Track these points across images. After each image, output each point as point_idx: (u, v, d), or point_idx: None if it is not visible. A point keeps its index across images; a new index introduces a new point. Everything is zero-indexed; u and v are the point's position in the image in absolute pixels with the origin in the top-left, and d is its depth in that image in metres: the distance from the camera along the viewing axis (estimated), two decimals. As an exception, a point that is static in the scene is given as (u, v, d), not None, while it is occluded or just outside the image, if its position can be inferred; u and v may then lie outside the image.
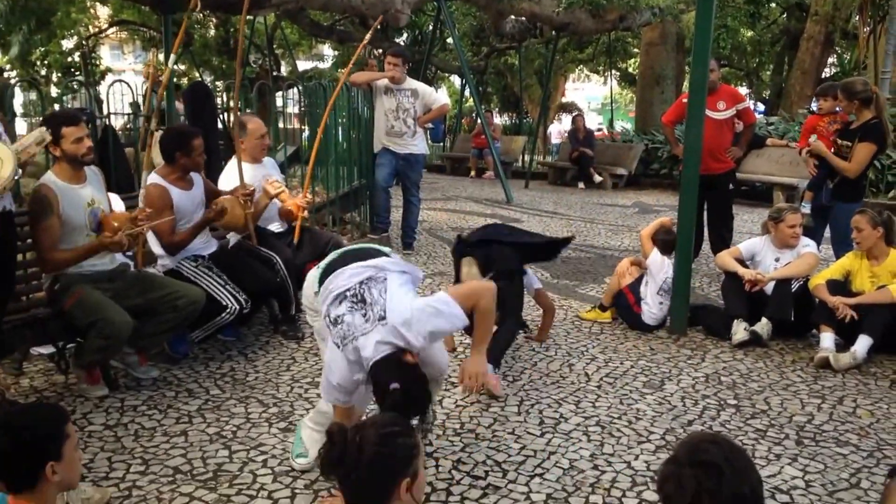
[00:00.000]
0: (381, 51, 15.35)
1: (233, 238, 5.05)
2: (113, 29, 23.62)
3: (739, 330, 4.88)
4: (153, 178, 4.43)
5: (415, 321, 2.71)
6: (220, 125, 7.51)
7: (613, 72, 23.78)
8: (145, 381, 4.15)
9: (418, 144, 7.40)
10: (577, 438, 3.56)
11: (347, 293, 2.81)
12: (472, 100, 16.75)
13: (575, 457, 3.38)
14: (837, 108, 6.11)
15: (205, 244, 4.67)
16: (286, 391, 4.06)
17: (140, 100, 6.75)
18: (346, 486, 1.85)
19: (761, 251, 5.24)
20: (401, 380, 2.61)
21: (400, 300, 2.77)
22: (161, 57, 5.17)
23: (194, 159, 4.46)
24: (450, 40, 18.70)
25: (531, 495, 3.04)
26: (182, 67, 21.14)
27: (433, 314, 2.75)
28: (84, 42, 22.76)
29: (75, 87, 11.50)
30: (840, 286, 4.79)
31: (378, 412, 2.04)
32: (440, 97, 8.15)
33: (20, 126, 12.76)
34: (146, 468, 3.21)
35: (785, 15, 19.93)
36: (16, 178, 3.39)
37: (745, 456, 1.63)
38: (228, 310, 4.36)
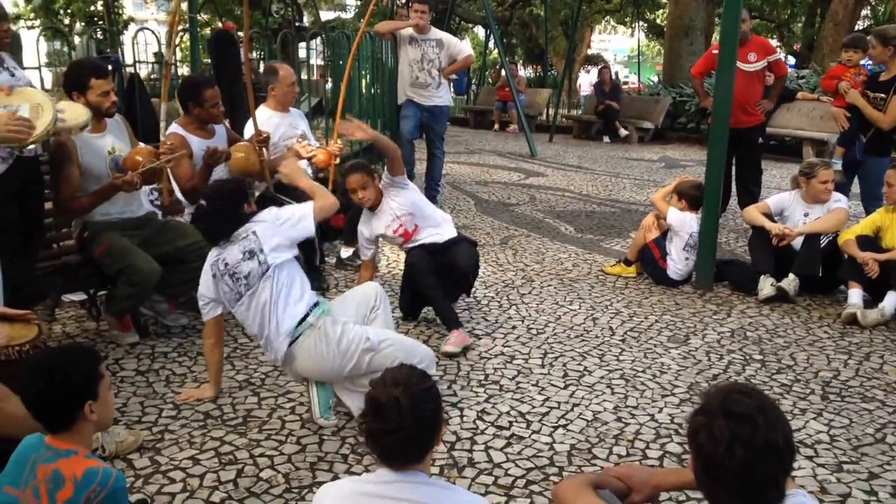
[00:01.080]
0: (403, 0, 15.13)
1: (257, 189, 5.06)
2: (135, -23, 23.46)
3: (766, 285, 4.85)
4: (173, 128, 4.44)
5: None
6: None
7: (641, 23, 23.31)
8: (175, 329, 4.21)
9: (443, 96, 7.33)
10: (601, 391, 3.58)
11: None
12: (496, 51, 16.52)
13: (599, 409, 3.40)
14: (863, 62, 5.96)
15: (230, 193, 4.68)
16: (312, 340, 4.10)
17: (164, 49, 6.73)
18: (391, 448, 1.82)
19: (790, 206, 5.18)
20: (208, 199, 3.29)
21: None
22: (185, 6, 5.12)
23: (207, 110, 4.42)
24: (474, -10, 18.37)
25: (555, 445, 3.07)
26: (205, 17, 21.00)
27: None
28: (107, -10, 22.67)
29: (98, 36, 11.48)
30: (870, 242, 4.72)
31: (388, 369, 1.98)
32: (465, 48, 8.03)
33: (46, 75, 12.75)
34: (178, 413, 3.28)
35: (819, -36, 19.38)
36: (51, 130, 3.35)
37: (775, 406, 1.63)
38: None
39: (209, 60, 7.28)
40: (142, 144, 4.30)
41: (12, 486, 1.96)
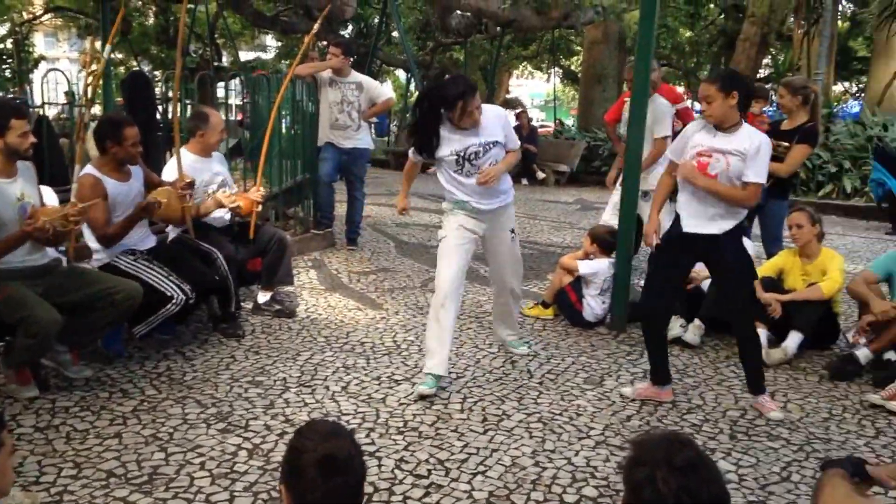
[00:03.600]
0: (325, 43, 15.19)
1: (172, 232, 4.94)
2: (48, 15, 22.92)
3: (675, 326, 4.97)
4: (87, 169, 4.30)
5: None
6: (159, 116, 7.31)
7: (556, 69, 24.01)
8: (78, 382, 4.02)
9: (363, 138, 7.34)
10: (520, 435, 3.59)
11: None
12: (416, 94, 16.66)
13: (517, 454, 3.40)
14: (764, 110, 6.28)
15: (142, 238, 4.55)
16: (225, 391, 3.99)
17: (76, 89, 6.55)
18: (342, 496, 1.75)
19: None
20: None
21: None
22: (98, 45, 5.01)
23: (126, 149, 4.30)
24: (395, 34, 18.60)
25: (473, 493, 3.05)
26: (120, 56, 20.60)
27: None
28: (17, 28, 21.99)
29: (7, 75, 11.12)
30: (773, 284, 4.92)
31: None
32: (385, 91, 8.10)
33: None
34: (78, 472, 3.12)
35: (723, 16, 20.43)
36: None
37: (708, 456, 1.66)
38: (174, 301, 4.23)
39: (121, 100, 7.11)
40: (50, 203, 4.15)
41: None
